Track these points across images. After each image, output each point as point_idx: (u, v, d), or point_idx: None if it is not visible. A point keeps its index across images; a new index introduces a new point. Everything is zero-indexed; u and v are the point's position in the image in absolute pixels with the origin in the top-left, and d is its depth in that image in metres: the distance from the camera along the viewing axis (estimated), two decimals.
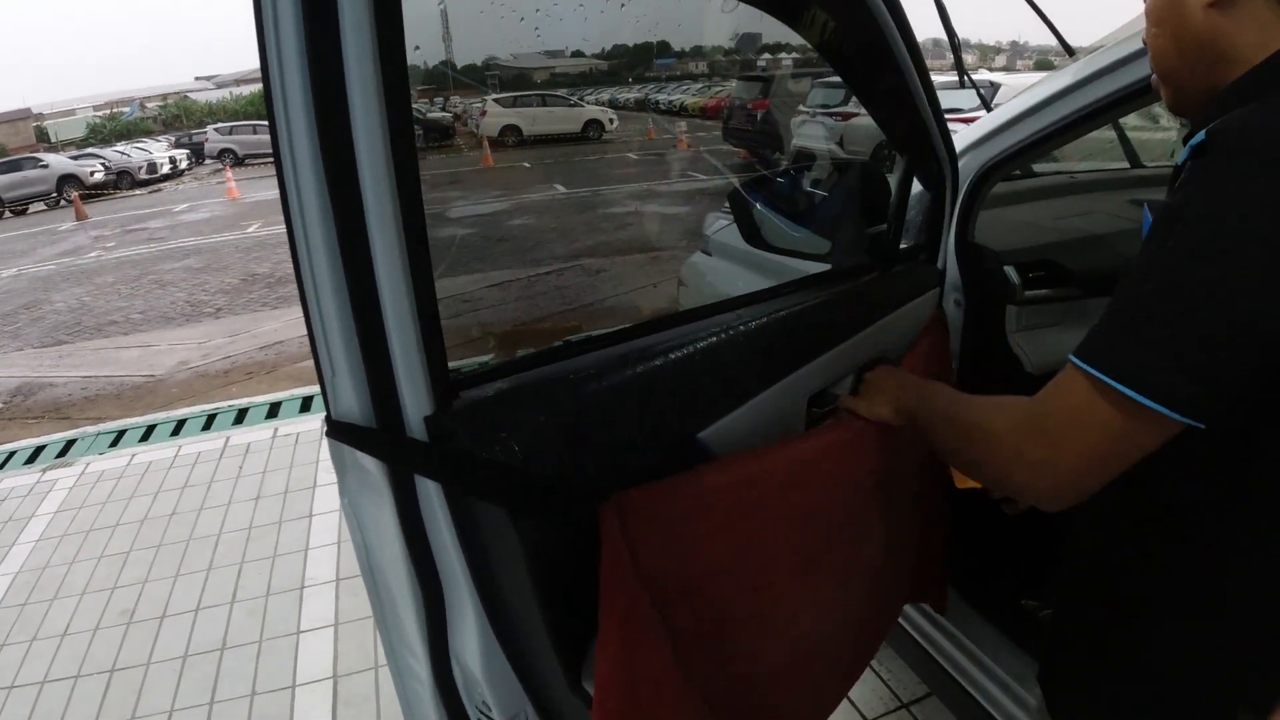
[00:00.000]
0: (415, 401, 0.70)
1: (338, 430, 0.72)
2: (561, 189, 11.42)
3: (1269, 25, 0.64)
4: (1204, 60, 0.69)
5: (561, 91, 19.10)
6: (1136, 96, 1.10)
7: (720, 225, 2.31)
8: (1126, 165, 2.27)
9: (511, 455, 0.72)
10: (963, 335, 1.49)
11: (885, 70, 1.10)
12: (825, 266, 1.31)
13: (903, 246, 1.33)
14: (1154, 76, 0.77)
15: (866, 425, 1.01)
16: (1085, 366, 0.63)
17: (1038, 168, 2.21)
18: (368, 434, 0.71)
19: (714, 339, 0.92)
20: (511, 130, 17.00)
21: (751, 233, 1.46)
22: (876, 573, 1.20)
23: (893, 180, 1.31)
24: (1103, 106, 1.17)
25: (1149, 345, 0.60)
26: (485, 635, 0.84)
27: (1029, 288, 1.43)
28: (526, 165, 14.92)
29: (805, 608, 1.04)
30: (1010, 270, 1.44)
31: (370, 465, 0.75)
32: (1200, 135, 0.62)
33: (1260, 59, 0.64)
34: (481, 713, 0.92)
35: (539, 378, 0.81)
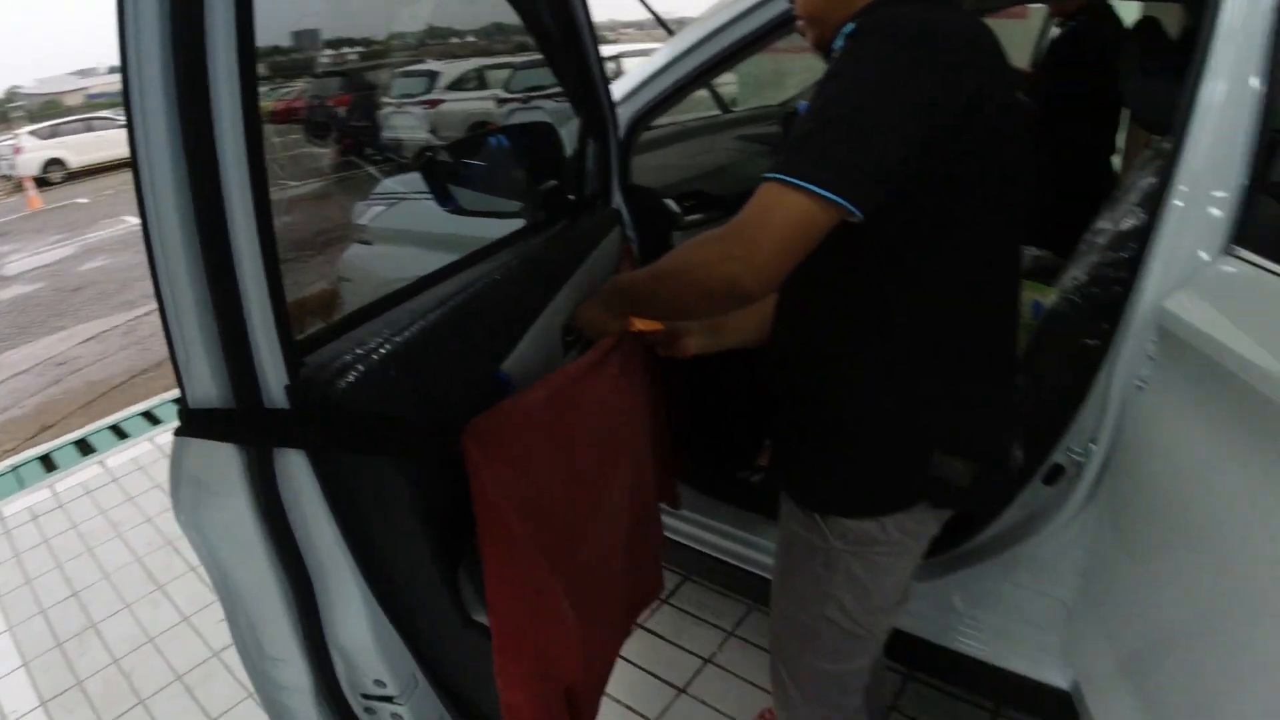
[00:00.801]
0: (275, 374, 0.72)
1: (195, 422, 0.70)
2: (132, 219, 10.14)
3: None
4: (829, 6, 0.98)
5: (106, 113, 16.73)
6: (756, 42, 1.44)
7: (376, 212, 2.30)
8: (719, 113, 2.75)
9: (374, 407, 0.76)
10: (640, 263, 1.74)
11: (569, 40, 1.28)
12: (521, 222, 1.46)
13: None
14: (799, 22, 1.05)
15: (608, 346, 1.18)
16: (772, 176, 0.83)
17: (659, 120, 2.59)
18: (231, 415, 0.70)
19: (481, 287, 1.02)
20: (56, 164, 15.03)
21: (449, 200, 1.53)
22: (644, 472, 1.40)
23: (568, 137, 1.49)
24: (728, 54, 1.49)
25: (816, 156, 0.83)
26: (371, 607, 0.86)
27: (687, 214, 1.73)
28: (84, 201, 12.98)
29: (616, 509, 1.21)
30: (670, 202, 1.72)
31: (221, 460, 0.73)
32: (850, 26, 0.89)
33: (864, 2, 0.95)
34: (368, 699, 0.92)
35: (368, 334, 0.84)
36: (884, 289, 0.98)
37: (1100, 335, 1.27)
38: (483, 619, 0.97)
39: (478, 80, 11.57)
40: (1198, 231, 1.14)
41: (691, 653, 1.96)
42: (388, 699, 0.93)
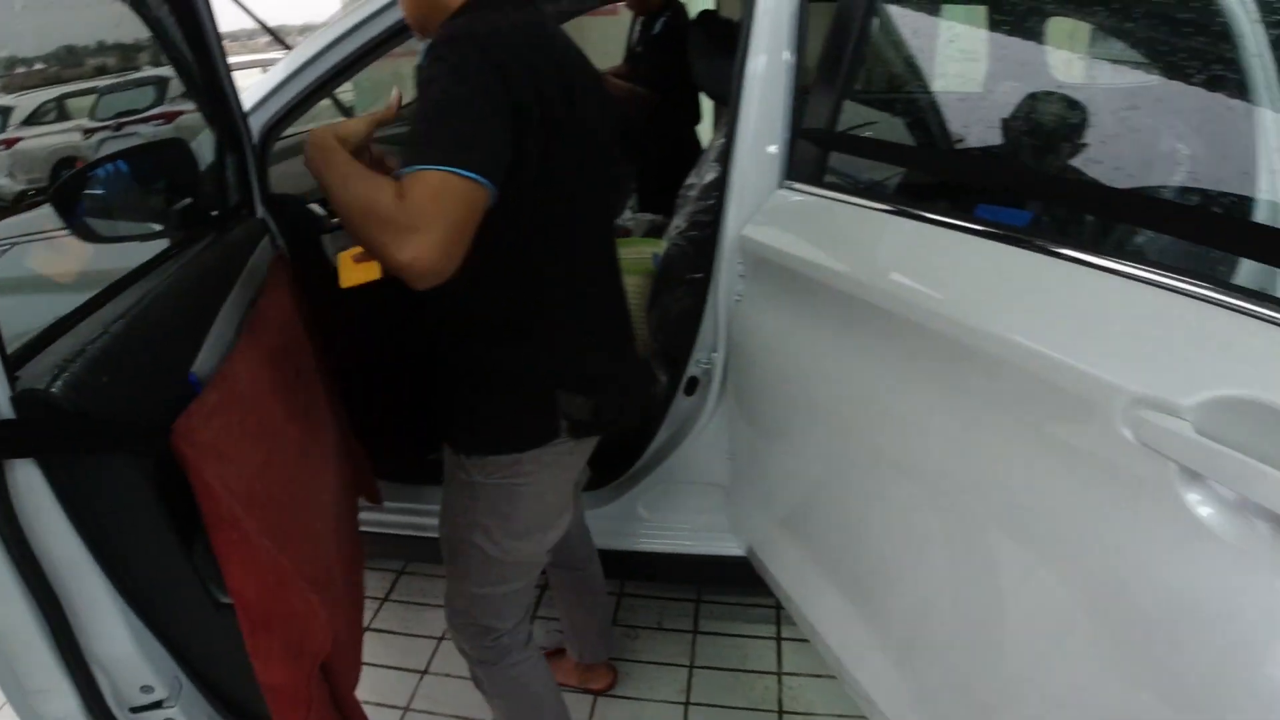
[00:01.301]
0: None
1: None
2: None
3: None
4: (429, 12, 1.14)
5: None
6: (378, 47, 1.56)
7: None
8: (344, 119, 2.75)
9: (101, 411, 0.80)
10: (293, 269, 1.76)
11: (202, 57, 1.30)
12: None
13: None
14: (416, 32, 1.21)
15: (265, 335, 1.24)
16: (427, 167, 0.90)
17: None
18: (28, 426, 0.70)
19: (149, 302, 1.05)
20: None
21: (87, 231, 1.45)
22: (337, 463, 1.47)
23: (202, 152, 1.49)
24: (352, 60, 1.59)
25: (459, 141, 0.93)
26: (125, 612, 0.87)
27: (333, 216, 1.78)
28: None
29: (319, 489, 1.28)
30: (315, 206, 1.76)
31: None
32: (430, 40, 1.03)
33: (455, 6, 1.11)
34: (137, 711, 0.93)
35: (78, 340, 0.86)
36: (500, 257, 1.10)
37: (704, 267, 1.60)
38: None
39: (57, 111, 9.94)
40: (759, 174, 1.50)
41: (424, 636, 2.04)
42: (157, 705, 0.93)
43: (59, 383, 0.79)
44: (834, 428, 1.34)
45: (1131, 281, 0.88)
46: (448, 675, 1.92)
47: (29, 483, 0.78)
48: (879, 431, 1.23)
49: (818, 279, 1.30)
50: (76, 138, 9.56)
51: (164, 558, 0.92)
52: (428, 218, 0.90)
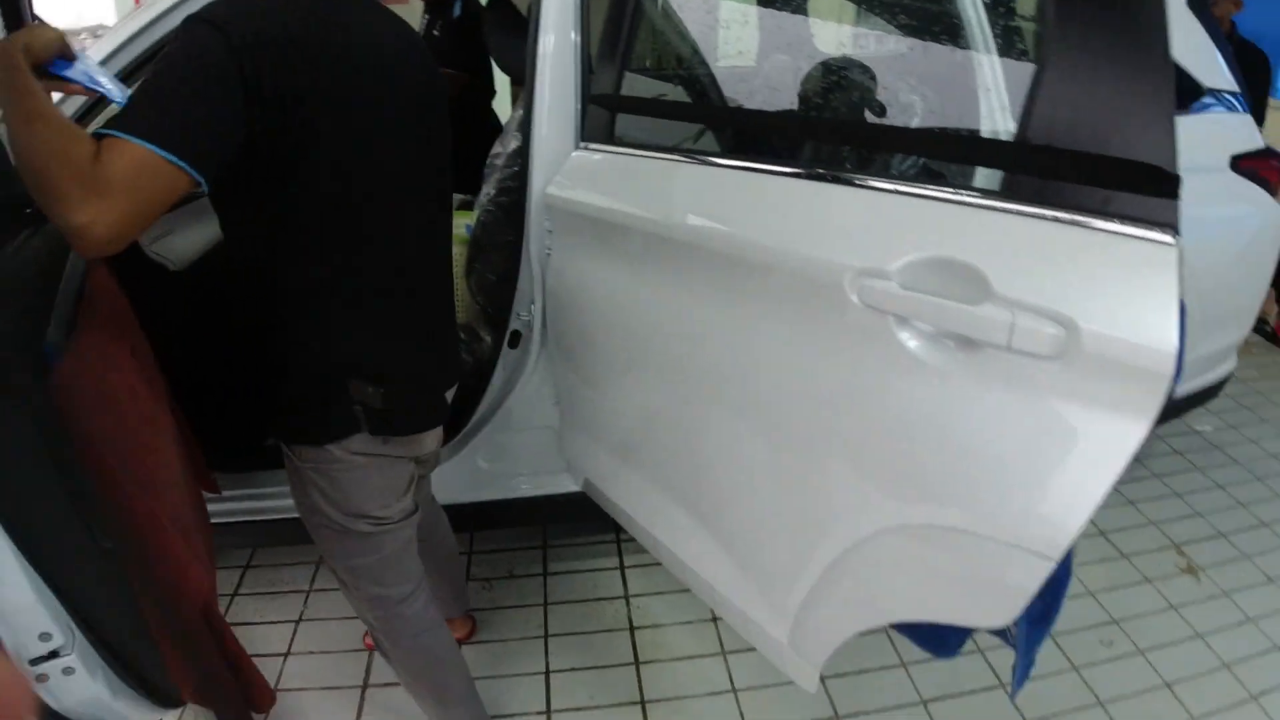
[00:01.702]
0: None
1: None
2: None
3: None
4: None
5: None
6: None
7: None
8: None
9: None
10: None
11: None
12: None
13: None
14: None
15: (103, 313, 1.27)
16: (135, 139, 0.89)
17: None
18: None
19: None
20: None
21: None
22: (180, 444, 1.52)
23: None
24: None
25: (169, 119, 0.93)
26: (21, 561, 0.93)
27: None
28: None
29: (170, 458, 1.35)
30: None
31: None
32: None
33: None
34: (36, 663, 0.98)
35: None
36: (275, 248, 1.14)
37: (515, 229, 1.77)
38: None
39: None
40: (557, 139, 1.69)
41: (279, 621, 2.07)
42: (54, 654, 0.99)
43: None
44: (640, 353, 1.56)
45: (842, 187, 1.15)
46: (310, 653, 1.98)
47: None
48: (677, 348, 1.46)
49: (612, 222, 1.52)
50: None
51: (53, 503, 0.98)
52: (120, 189, 0.88)
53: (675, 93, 1.94)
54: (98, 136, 0.90)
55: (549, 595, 2.13)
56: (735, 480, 1.42)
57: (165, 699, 1.25)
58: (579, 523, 2.22)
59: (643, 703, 1.85)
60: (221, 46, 0.96)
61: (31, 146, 0.88)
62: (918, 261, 1.02)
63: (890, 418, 1.08)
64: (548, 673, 1.92)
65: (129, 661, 1.14)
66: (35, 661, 1.01)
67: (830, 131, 1.56)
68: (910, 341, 1.03)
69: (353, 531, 1.35)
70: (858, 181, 1.15)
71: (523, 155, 1.74)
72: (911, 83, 1.69)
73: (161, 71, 0.96)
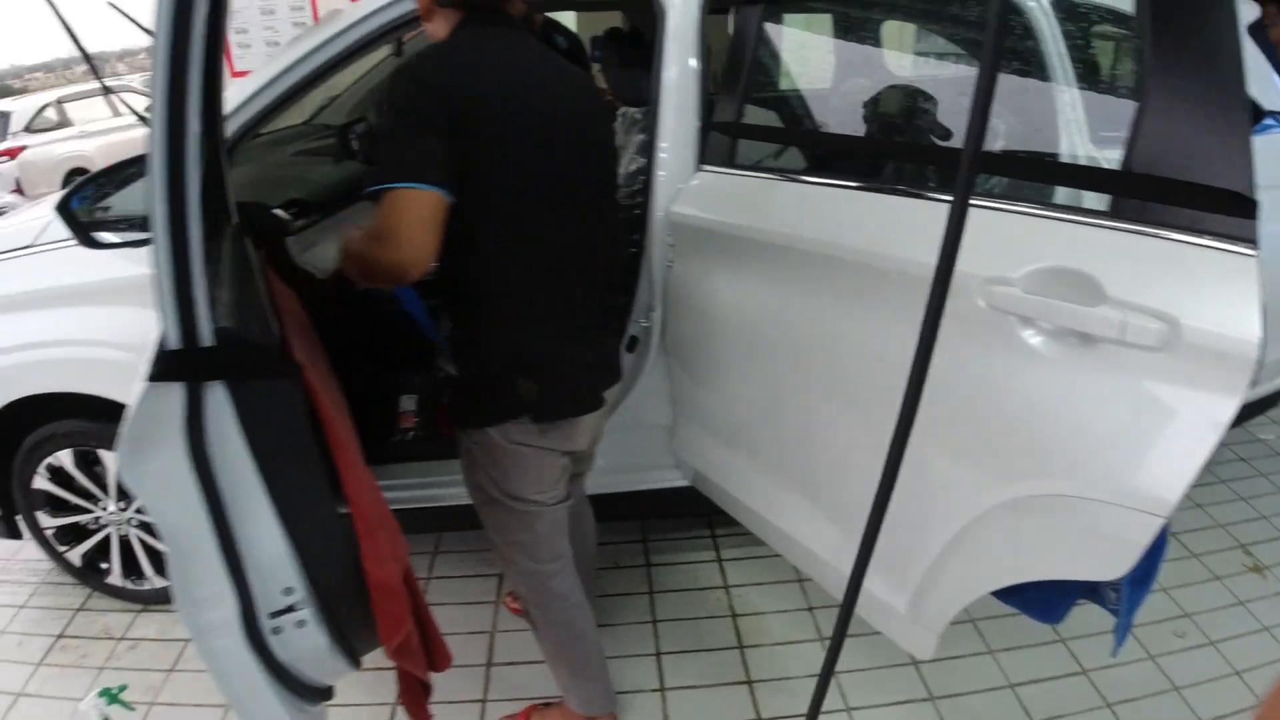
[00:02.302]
0: (206, 323, 1.00)
1: (175, 365, 0.96)
2: None
3: (444, 23, 1.44)
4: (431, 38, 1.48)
5: None
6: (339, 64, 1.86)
7: None
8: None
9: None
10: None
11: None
12: None
13: None
14: None
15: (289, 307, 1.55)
16: (389, 186, 1.23)
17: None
18: (204, 352, 0.98)
19: None
20: None
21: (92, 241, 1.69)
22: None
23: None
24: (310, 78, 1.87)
25: (404, 161, 1.26)
26: (277, 518, 1.14)
27: (295, 220, 2.06)
28: None
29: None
30: (279, 212, 2.03)
31: (161, 411, 0.99)
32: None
33: (441, 37, 1.44)
34: (275, 616, 1.19)
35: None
36: (467, 260, 1.39)
37: (637, 243, 2.02)
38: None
39: (60, 114, 9.50)
40: (678, 162, 1.94)
41: None
42: (290, 609, 1.19)
43: (238, 322, 1.07)
44: (764, 353, 1.79)
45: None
46: None
47: (218, 402, 1.04)
48: (802, 348, 1.68)
49: (739, 236, 1.76)
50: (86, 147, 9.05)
51: (307, 470, 1.20)
52: (395, 224, 1.24)
53: (790, 120, 2.18)
54: (372, 195, 1.25)
55: (653, 585, 2.36)
56: (860, 467, 1.63)
57: (353, 658, 1.48)
58: (678, 516, 2.45)
59: (749, 682, 2.06)
60: (425, 93, 1.30)
61: (360, 250, 1.33)
62: (1039, 270, 1.24)
63: (1014, 404, 1.30)
64: (659, 654, 2.14)
65: (344, 618, 1.33)
66: (275, 614, 1.20)
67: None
68: (1033, 339, 1.25)
69: (511, 509, 1.59)
70: (974, 202, 1.38)
71: (645, 176, 1.98)
72: (998, 110, 1.92)
73: (386, 126, 1.36)
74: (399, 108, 1.31)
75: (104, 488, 2.31)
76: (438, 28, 1.46)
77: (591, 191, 1.54)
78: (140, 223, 1.76)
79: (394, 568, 1.34)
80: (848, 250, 1.53)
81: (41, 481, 2.31)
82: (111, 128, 10.02)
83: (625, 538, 2.51)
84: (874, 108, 2.11)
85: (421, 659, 1.47)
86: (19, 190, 8.61)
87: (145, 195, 0.94)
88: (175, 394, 1.00)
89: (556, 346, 1.51)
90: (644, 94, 2.04)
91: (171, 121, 0.91)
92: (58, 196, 2.39)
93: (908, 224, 1.46)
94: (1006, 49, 1.94)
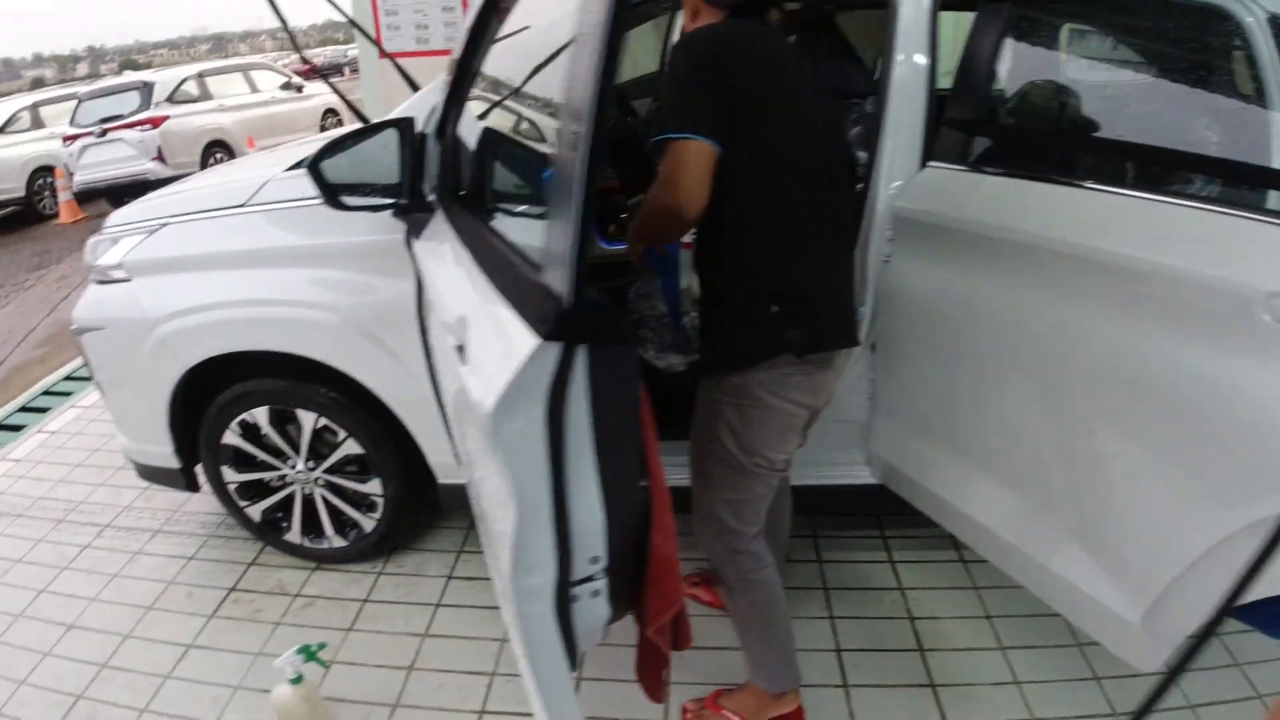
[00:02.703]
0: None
1: (567, 325, 0.99)
2: None
3: (710, 19, 1.59)
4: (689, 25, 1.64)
5: None
6: None
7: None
8: None
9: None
10: None
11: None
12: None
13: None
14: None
15: None
16: (670, 136, 1.43)
17: None
18: (586, 314, 1.00)
19: None
20: None
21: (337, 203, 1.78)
22: None
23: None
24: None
25: (684, 117, 1.44)
26: (597, 488, 1.16)
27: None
28: None
29: None
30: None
31: (543, 363, 1.02)
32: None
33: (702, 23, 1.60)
34: (575, 584, 1.21)
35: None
36: (726, 198, 1.49)
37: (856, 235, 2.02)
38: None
39: (200, 88, 10.17)
40: (904, 157, 1.94)
41: None
42: (588, 579, 1.22)
43: (597, 290, 1.09)
44: (996, 354, 1.78)
45: (1234, 218, 1.37)
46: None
47: (579, 366, 1.05)
48: (1042, 351, 1.67)
49: (975, 234, 1.76)
50: (54, 145, 9.51)
51: (630, 439, 1.23)
52: (675, 171, 1.44)
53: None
54: (655, 145, 1.46)
55: (827, 581, 2.36)
56: (1101, 476, 1.62)
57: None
58: (857, 514, 2.46)
59: (933, 686, 2.05)
60: (706, 58, 1.50)
61: (646, 209, 1.56)
62: None
63: None
64: (839, 650, 2.15)
65: (620, 591, 1.34)
66: (576, 583, 1.22)
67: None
68: None
69: (741, 467, 1.66)
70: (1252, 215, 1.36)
71: (867, 169, 1.99)
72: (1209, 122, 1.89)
73: (670, 84, 1.53)
74: (680, 70, 1.53)
75: (294, 446, 2.39)
76: (702, 23, 1.61)
77: (836, 156, 1.66)
78: (381, 189, 1.82)
79: (675, 542, 1.36)
80: (1103, 254, 1.52)
81: (232, 437, 2.40)
82: (249, 103, 10.72)
83: (795, 532, 2.51)
84: (1020, 101, 2.09)
85: (668, 635, 1.50)
86: (160, 158, 9.24)
87: (559, 165, 0.98)
88: (552, 354, 1.02)
89: (819, 280, 1.62)
90: (850, 85, 2.05)
91: (599, 109, 0.93)
92: (291, 156, 2.49)
93: (1198, 237, 1.43)
94: (1215, 63, 1.90)
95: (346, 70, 28.08)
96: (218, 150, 9.95)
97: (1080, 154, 1.93)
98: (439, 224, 1.75)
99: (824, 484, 2.25)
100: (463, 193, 1.71)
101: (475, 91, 1.89)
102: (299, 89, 11.60)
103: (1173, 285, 1.42)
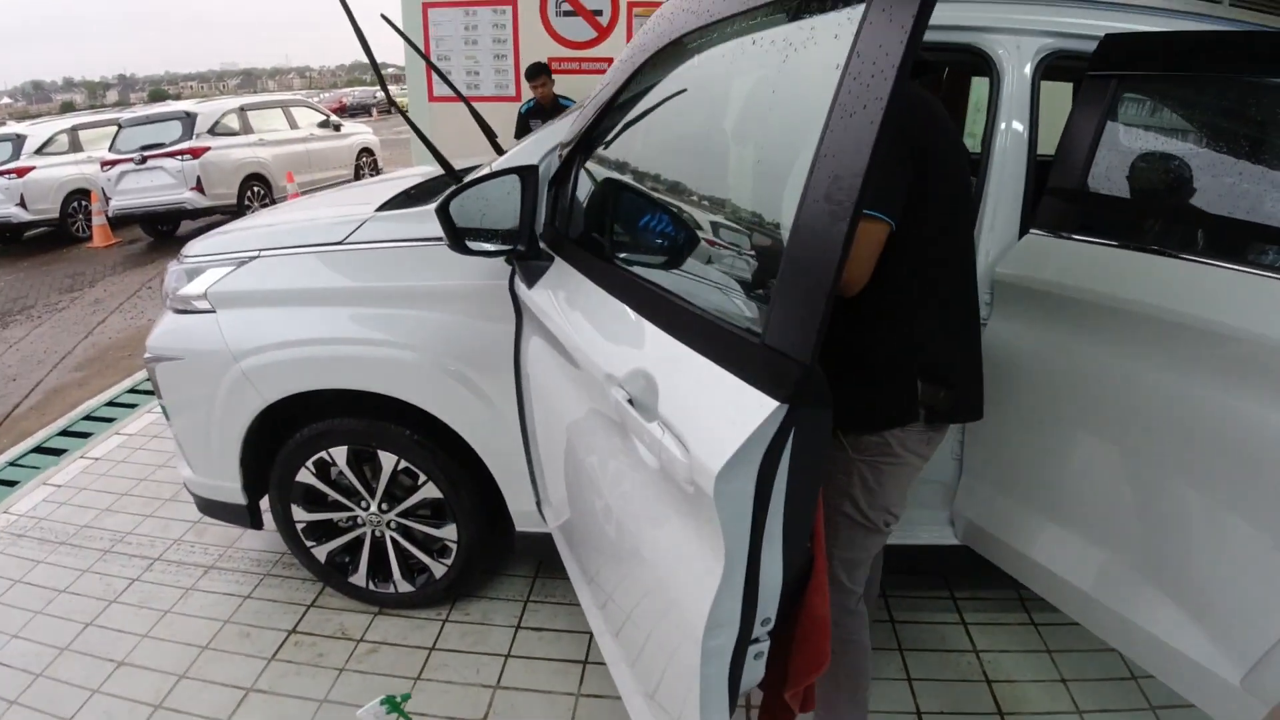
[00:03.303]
0: None
1: (803, 387, 0.99)
2: None
3: None
4: None
5: None
6: None
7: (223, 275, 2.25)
8: None
9: None
10: None
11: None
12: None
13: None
14: None
15: None
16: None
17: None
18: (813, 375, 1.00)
19: None
20: None
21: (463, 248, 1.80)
22: None
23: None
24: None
25: (875, 193, 1.36)
26: (779, 550, 1.14)
27: None
28: None
29: None
30: None
31: (772, 424, 1.02)
32: None
33: None
34: (748, 644, 1.19)
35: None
36: (895, 271, 1.49)
37: None
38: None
39: (241, 121, 10.52)
40: (1005, 223, 1.98)
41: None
42: (755, 640, 1.19)
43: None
44: (1095, 417, 1.80)
45: None
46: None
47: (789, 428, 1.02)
48: (1143, 414, 1.69)
49: (1052, 292, 1.81)
50: (91, 169, 9.61)
51: (811, 501, 1.19)
52: (857, 252, 1.38)
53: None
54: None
55: (901, 641, 2.35)
56: (1203, 537, 1.62)
57: None
58: (933, 574, 2.45)
59: None
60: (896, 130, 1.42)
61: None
62: None
63: None
64: (919, 713, 2.13)
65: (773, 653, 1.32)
66: (747, 643, 1.18)
67: None
68: None
69: (867, 525, 1.66)
70: None
71: None
72: None
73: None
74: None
75: (367, 487, 2.38)
76: None
77: (971, 214, 1.70)
78: (502, 235, 1.84)
79: (826, 605, 1.35)
80: (1213, 325, 1.55)
81: (307, 475, 2.39)
82: (288, 139, 10.90)
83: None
84: (1129, 172, 2.12)
85: (801, 697, 1.48)
86: (199, 188, 9.40)
87: (803, 235, 1.01)
88: (779, 416, 1.01)
89: (963, 352, 1.64)
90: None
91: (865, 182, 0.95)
92: (372, 195, 2.52)
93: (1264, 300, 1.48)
94: None
95: (374, 110, 28.60)
96: (255, 184, 10.08)
97: (1176, 224, 1.96)
98: (564, 272, 1.76)
99: (905, 544, 2.24)
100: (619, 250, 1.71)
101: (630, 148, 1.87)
102: (336, 127, 11.81)
103: (1272, 355, 1.45)
